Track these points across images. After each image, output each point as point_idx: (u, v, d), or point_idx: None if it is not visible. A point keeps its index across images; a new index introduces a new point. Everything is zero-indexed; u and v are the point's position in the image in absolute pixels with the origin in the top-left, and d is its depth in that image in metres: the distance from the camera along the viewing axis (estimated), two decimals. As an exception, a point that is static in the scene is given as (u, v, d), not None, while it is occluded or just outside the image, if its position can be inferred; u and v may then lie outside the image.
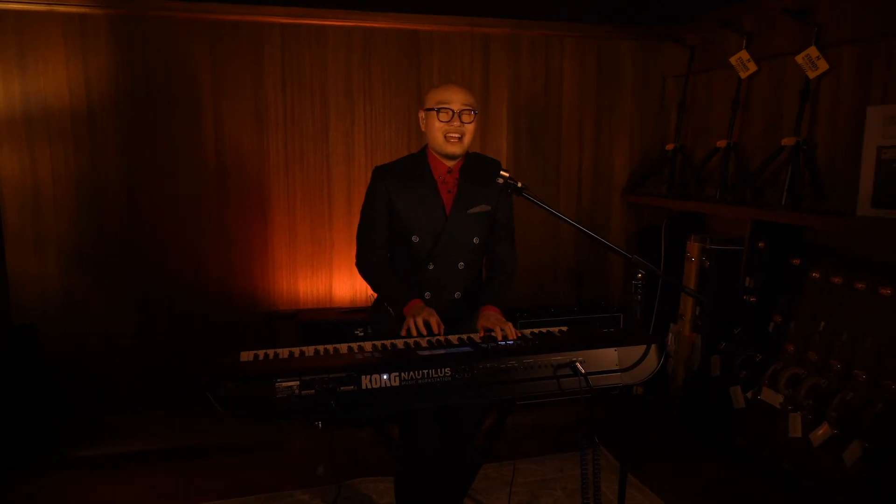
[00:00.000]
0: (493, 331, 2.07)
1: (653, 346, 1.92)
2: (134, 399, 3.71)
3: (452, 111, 2.17)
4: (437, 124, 2.18)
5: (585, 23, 4.09)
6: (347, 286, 4.01)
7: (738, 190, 3.55)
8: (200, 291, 3.77)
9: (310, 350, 1.95)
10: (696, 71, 4.04)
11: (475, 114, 2.22)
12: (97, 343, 3.65)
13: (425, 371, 1.74)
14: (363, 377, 1.70)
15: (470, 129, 2.20)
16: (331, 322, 3.57)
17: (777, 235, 3.28)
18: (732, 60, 3.56)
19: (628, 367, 1.90)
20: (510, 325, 2.10)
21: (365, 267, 2.32)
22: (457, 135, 2.18)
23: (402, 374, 1.72)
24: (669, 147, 4.12)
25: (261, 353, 1.92)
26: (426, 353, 1.85)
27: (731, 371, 3.34)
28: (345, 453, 3.37)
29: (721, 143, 3.65)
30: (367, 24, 3.79)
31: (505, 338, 2.02)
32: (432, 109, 2.19)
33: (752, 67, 3.51)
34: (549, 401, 3.81)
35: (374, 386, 1.70)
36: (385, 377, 1.71)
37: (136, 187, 3.64)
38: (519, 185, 2.07)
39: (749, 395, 3.22)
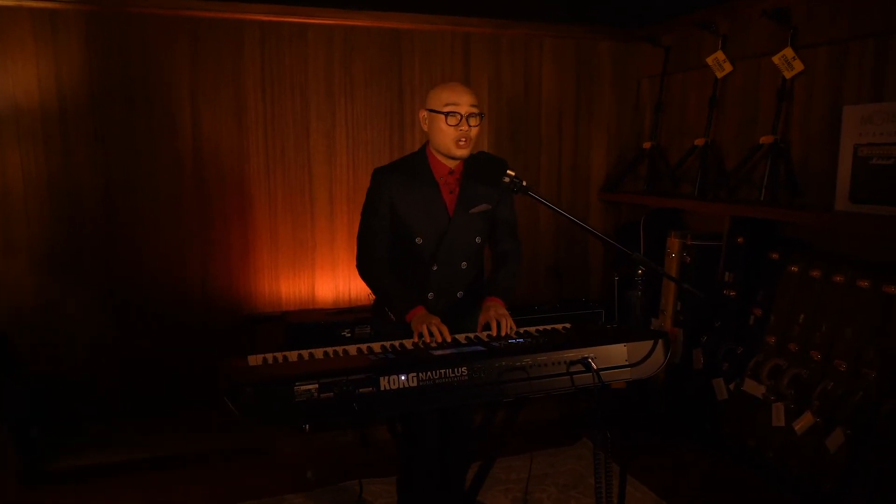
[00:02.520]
0: (490, 326, 2.09)
1: (660, 340, 1.96)
2: (114, 406, 3.59)
3: (461, 115, 2.14)
4: (445, 128, 2.15)
5: (564, 23, 4.14)
6: (330, 287, 3.97)
7: (715, 187, 3.64)
8: (180, 294, 3.68)
9: (319, 352, 1.92)
10: (671, 71, 4.13)
11: (481, 116, 2.20)
12: (74, 350, 3.53)
13: (442, 371, 1.74)
14: (381, 378, 1.69)
15: (476, 131, 2.19)
16: (317, 323, 3.53)
17: (755, 231, 3.38)
18: (709, 60, 3.66)
19: (637, 362, 1.93)
20: (508, 317, 2.12)
21: (365, 269, 2.29)
22: (465, 137, 2.16)
23: (420, 374, 1.72)
24: (647, 145, 4.20)
25: (269, 356, 1.89)
26: (440, 352, 1.85)
27: (713, 364, 3.43)
28: (331, 456, 3.34)
29: (699, 142, 3.75)
30: (348, 23, 3.76)
31: (502, 335, 2.03)
32: (439, 112, 2.17)
33: (728, 68, 3.61)
34: (534, 397, 3.85)
35: (393, 387, 1.69)
36: (403, 378, 1.70)
37: (113, 189, 3.52)
38: (524, 183, 2.08)
39: (731, 386, 3.31)
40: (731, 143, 3.72)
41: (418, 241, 2.24)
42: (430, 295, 2.28)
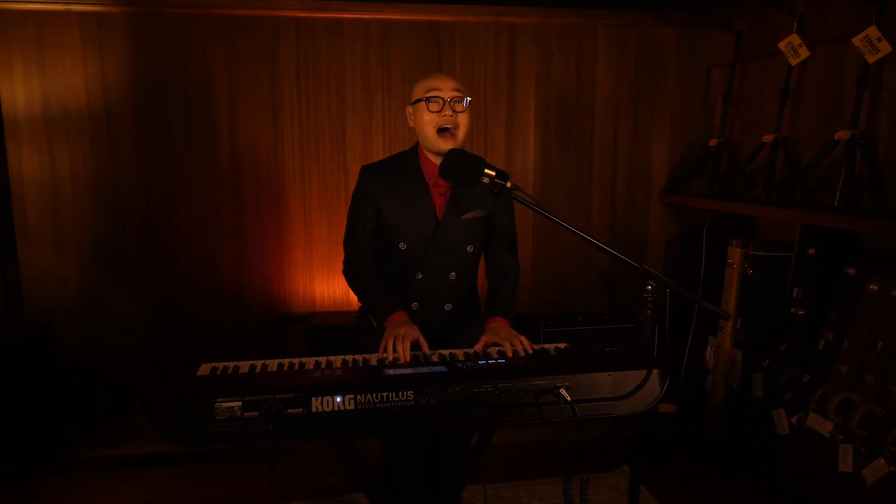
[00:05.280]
0: (498, 345, 1.87)
1: (654, 371, 1.66)
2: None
3: (443, 99, 1.95)
4: (427, 116, 1.97)
5: (620, 9, 3.79)
6: (366, 289, 3.86)
7: (786, 189, 3.19)
8: (216, 292, 3.71)
9: (273, 364, 1.78)
10: (745, 59, 3.68)
11: (468, 102, 2.00)
12: (112, 343, 3.63)
13: (385, 394, 1.55)
14: (313, 399, 1.52)
15: (463, 119, 1.98)
16: (339, 327, 3.42)
17: (830, 241, 2.92)
18: (781, 46, 3.20)
19: (624, 394, 1.65)
20: (523, 338, 1.88)
21: (349, 274, 2.15)
22: (449, 125, 1.95)
23: (358, 396, 1.54)
24: (713, 143, 3.77)
25: (220, 366, 1.78)
26: (393, 372, 1.66)
27: (774, 392, 2.99)
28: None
29: (768, 138, 3.30)
30: (385, 17, 3.63)
31: (491, 354, 1.81)
32: (420, 100, 1.99)
33: (805, 53, 3.14)
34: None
35: (326, 409, 1.52)
36: (338, 399, 1.53)
37: (152, 187, 3.60)
38: (508, 184, 1.84)
39: (794, 419, 2.88)
40: (810, 139, 3.25)
41: (402, 246, 2.06)
42: (415, 305, 2.09)
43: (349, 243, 2.14)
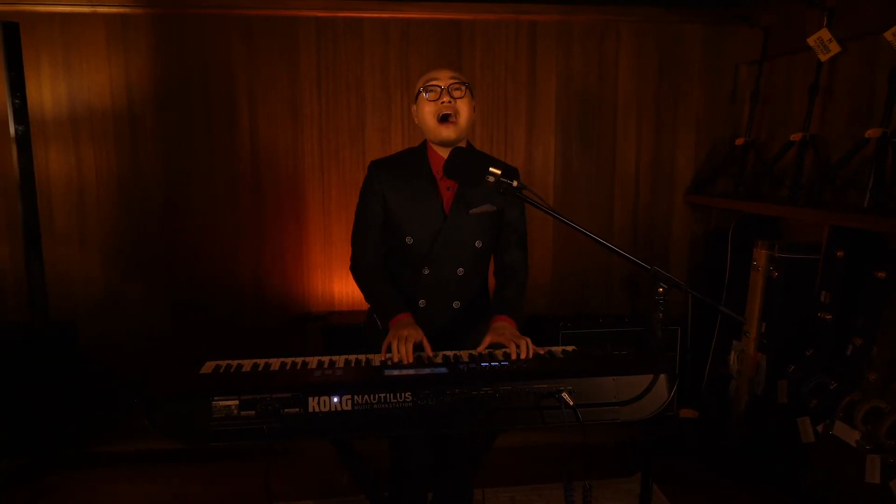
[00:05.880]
0: (504, 347, 1.84)
1: (661, 375, 1.61)
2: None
3: (440, 87, 1.96)
4: (427, 106, 1.97)
5: (644, 6, 3.71)
6: (384, 289, 3.85)
7: (814, 190, 3.08)
8: (235, 292, 3.74)
9: (276, 363, 1.79)
10: (773, 56, 3.57)
11: (467, 87, 1.98)
12: (133, 341, 3.68)
13: (382, 395, 1.53)
14: (310, 399, 1.51)
15: (463, 106, 1.97)
16: (359, 326, 3.39)
17: (859, 243, 2.81)
18: (811, 41, 3.10)
19: (629, 399, 1.60)
20: (527, 339, 1.85)
21: (357, 271, 2.13)
22: (449, 112, 1.94)
23: (356, 397, 1.52)
24: (739, 142, 3.67)
25: (223, 364, 1.79)
26: (392, 372, 1.64)
27: (799, 398, 2.90)
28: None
29: (795, 137, 3.19)
30: (405, 16, 3.62)
31: (496, 356, 1.78)
32: (419, 92, 2.00)
33: (835, 48, 3.03)
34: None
35: (323, 409, 1.51)
36: (335, 400, 1.52)
37: (174, 187, 3.64)
38: (514, 183, 1.80)
39: (819, 428, 2.78)
40: (840, 138, 3.14)
41: (409, 240, 2.04)
42: (422, 302, 2.06)
43: (356, 239, 2.13)
